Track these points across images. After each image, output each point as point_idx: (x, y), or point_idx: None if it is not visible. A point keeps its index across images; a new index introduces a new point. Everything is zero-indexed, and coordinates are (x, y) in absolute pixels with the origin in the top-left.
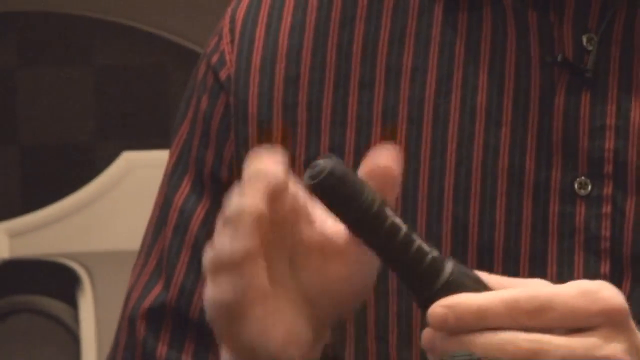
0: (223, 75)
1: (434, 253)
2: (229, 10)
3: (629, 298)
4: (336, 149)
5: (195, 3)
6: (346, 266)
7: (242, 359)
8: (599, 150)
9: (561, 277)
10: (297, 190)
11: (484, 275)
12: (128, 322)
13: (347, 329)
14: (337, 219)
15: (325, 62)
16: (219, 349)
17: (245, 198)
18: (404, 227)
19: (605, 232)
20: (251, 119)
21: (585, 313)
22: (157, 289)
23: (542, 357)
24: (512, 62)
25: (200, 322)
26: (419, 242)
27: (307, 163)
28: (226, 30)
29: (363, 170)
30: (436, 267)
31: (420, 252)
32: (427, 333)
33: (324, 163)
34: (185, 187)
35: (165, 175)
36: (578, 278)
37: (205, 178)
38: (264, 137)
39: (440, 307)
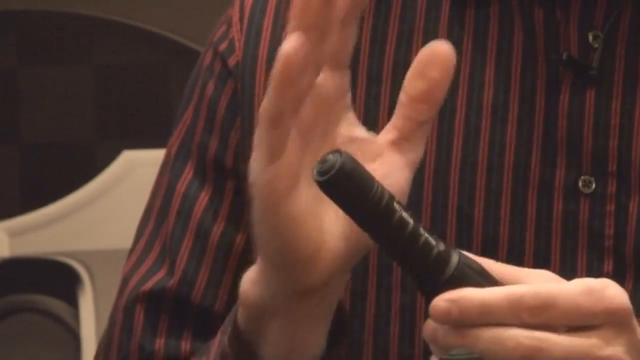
0: (232, 62)
1: (440, 247)
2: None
3: (631, 296)
4: None
5: (195, 3)
6: (383, 165)
7: (271, 266)
8: (603, 149)
9: (564, 274)
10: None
11: (490, 263)
12: (125, 303)
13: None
14: (346, 212)
15: None
16: (219, 333)
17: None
18: (411, 221)
19: (609, 230)
20: (257, 108)
21: (588, 311)
22: (160, 274)
23: (542, 354)
24: (518, 59)
25: (201, 307)
26: (425, 235)
27: None
28: (236, 19)
29: (417, 60)
30: (442, 260)
31: (427, 246)
32: (429, 325)
33: (334, 158)
34: (188, 173)
35: (166, 161)
36: (581, 276)
37: (208, 164)
38: None
39: (443, 300)
